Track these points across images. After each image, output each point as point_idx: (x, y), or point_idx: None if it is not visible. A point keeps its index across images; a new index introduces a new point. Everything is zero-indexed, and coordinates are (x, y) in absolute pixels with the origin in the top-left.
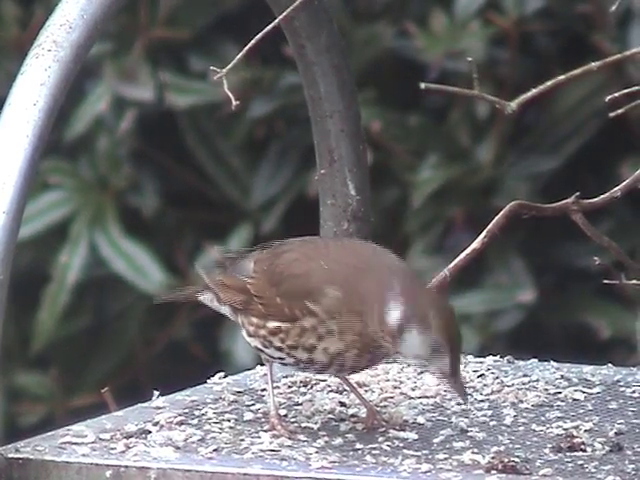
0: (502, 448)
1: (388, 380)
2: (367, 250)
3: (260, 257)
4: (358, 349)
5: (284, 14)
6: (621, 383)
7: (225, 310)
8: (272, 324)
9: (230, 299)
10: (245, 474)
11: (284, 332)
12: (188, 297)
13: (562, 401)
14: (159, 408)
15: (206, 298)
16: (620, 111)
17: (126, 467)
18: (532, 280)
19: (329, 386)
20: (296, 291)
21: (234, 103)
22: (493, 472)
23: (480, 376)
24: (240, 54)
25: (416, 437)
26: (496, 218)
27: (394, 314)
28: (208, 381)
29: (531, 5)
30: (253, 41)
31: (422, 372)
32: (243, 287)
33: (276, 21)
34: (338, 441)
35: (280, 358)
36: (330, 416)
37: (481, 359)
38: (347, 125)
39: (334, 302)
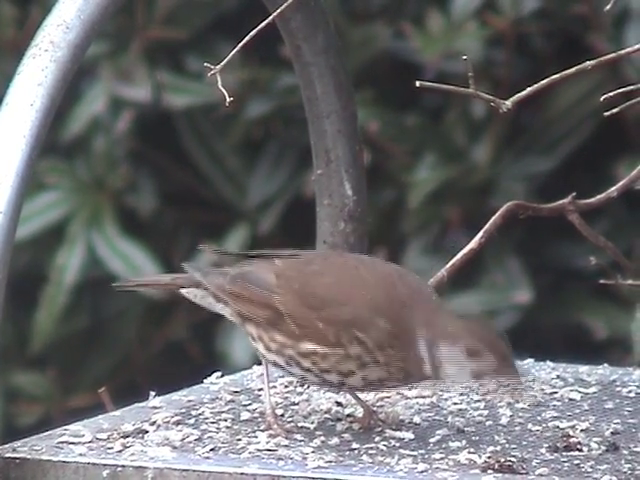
0: (498, 448)
1: None
2: (394, 274)
3: (282, 272)
4: (399, 379)
5: (279, 10)
6: (617, 383)
7: (224, 310)
8: (307, 346)
9: (250, 312)
10: (242, 474)
11: (320, 356)
12: (162, 287)
13: (558, 401)
14: (156, 408)
15: (192, 293)
16: (615, 110)
17: (123, 467)
18: (528, 280)
19: None
20: (344, 319)
21: (228, 100)
22: (489, 472)
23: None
24: (234, 50)
25: (412, 437)
26: (493, 218)
27: (432, 347)
28: (205, 381)
29: (527, 6)
30: (247, 37)
31: (478, 391)
32: (269, 303)
33: (270, 17)
34: (335, 441)
35: (302, 377)
36: (327, 416)
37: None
38: (344, 125)
39: (384, 334)
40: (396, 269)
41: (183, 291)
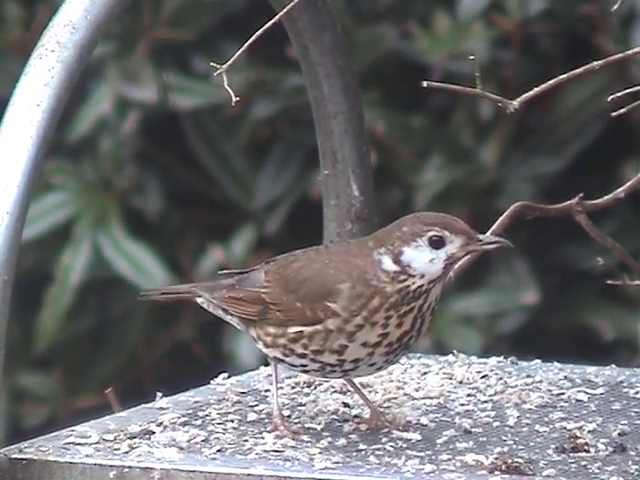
0: (505, 449)
1: (392, 381)
2: (355, 241)
3: (270, 268)
4: (388, 310)
5: (285, 10)
6: (624, 384)
7: (232, 321)
8: (293, 329)
9: (244, 312)
10: (249, 474)
11: (307, 337)
12: (181, 297)
13: (565, 402)
14: (163, 409)
15: (206, 304)
16: (622, 110)
17: (130, 468)
18: (535, 281)
19: (332, 387)
20: (315, 293)
21: (234, 99)
22: (496, 473)
23: (484, 377)
24: (239, 50)
25: (419, 438)
26: (500, 219)
27: (383, 257)
28: (211, 382)
29: (534, 6)
30: (253, 37)
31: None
32: (257, 298)
33: (277, 17)
34: (342, 442)
35: (302, 365)
36: (334, 417)
37: (485, 360)
38: (351, 126)
39: (351, 296)
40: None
41: (199, 300)
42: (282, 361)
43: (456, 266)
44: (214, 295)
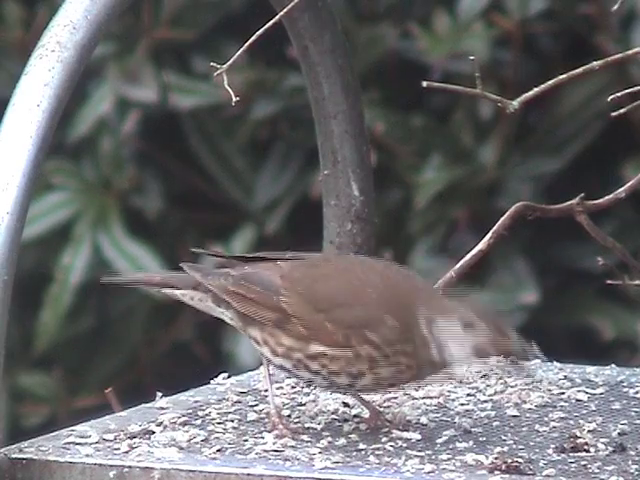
0: (505, 448)
1: None
2: (396, 273)
3: (287, 274)
4: (411, 372)
5: (285, 10)
6: (624, 384)
7: (224, 314)
8: (316, 348)
9: (255, 314)
10: (249, 474)
11: (329, 358)
12: (153, 286)
13: (565, 402)
14: (163, 409)
15: (188, 296)
16: (622, 110)
17: (130, 467)
18: (535, 281)
19: None
20: (353, 320)
21: (234, 99)
22: (496, 472)
23: (483, 377)
24: (240, 50)
25: (419, 437)
26: (502, 219)
27: (431, 325)
28: (211, 382)
29: (534, 6)
30: (254, 37)
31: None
32: (276, 305)
33: (277, 17)
34: (341, 441)
35: (309, 380)
36: (333, 416)
37: (484, 360)
38: (351, 126)
39: (392, 331)
40: (391, 266)
41: (178, 293)
42: (287, 370)
43: (457, 266)
44: (212, 282)
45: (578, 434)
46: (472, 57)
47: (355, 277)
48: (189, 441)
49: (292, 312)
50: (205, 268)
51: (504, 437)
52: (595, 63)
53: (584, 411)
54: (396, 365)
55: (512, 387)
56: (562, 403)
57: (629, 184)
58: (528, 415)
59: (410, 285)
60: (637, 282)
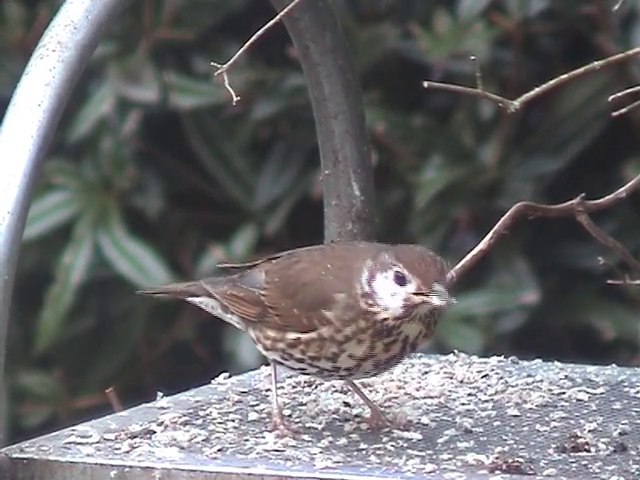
0: (506, 448)
1: (392, 380)
2: (345, 246)
3: (271, 268)
4: (372, 337)
5: (286, 10)
6: (625, 383)
7: (232, 320)
8: (291, 335)
9: (244, 312)
10: (249, 474)
11: (304, 343)
12: (178, 294)
13: (566, 401)
14: (163, 408)
15: (204, 303)
16: (623, 110)
17: (130, 467)
18: (536, 281)
19: (333, 386)
20: (312, 300)
21: (235, 99)
22: (497, 472)
23: (484, 376)
24: (241, 50)
25: (420, 437)
26: (502, 219)
27: (364, 277)
28: (212, 381)
29: (535, 6)
30: (254, 37)
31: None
32: (257, 299)
33: (277, 17)
34: (342, 441)
35: (301, 369)
36: (334, 416)
37: (485, 360)
38: (351, 126)
39: (345, 307)
40: (360, 242)
41: (196, 300)
42: (281, 364)
43: (458, 266)
44: (217, 290)
45: (579, 434)
46: (473, 57)
47: (320, 259)
48: (190, 441)
49: (268, 303)
50: (217, 279)
51: (505, 437)
52: (596, 63)
53: (585, 411)
54: (359, 341)
55: (513, 387)
56: (563, 403)
57: (630, 184)
58: (529, 415)
59: (355, 252)
60: (638, 282)
